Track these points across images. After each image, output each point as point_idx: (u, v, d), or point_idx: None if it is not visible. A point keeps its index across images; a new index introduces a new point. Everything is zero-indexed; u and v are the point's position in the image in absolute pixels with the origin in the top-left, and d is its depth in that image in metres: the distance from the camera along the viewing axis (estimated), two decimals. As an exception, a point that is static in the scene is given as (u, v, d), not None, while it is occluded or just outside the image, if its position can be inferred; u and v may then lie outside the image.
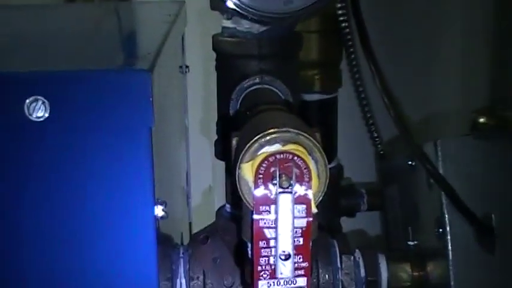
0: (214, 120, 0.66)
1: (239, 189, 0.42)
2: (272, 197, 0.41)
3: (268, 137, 0.42)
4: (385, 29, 1.01)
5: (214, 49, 0.66)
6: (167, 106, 0.65)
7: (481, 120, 0.92)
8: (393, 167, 0.82)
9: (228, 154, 0.47)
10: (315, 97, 0.93)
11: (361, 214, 0.91)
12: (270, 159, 0.42)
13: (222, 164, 0.64)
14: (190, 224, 0.87)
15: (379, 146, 0.94)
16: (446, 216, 0.62)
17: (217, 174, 1.05)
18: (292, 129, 0.43)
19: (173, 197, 0.65)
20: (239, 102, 0.64)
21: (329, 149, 0.94)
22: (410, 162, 0.70)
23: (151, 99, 0.42)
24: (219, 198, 0.71)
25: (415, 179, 0.69)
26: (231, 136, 0.47)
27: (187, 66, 0.91)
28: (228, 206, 0.64)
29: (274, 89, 0.63)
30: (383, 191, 0.90)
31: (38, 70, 0.43)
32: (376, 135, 0.94)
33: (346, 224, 0.92)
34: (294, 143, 0.43)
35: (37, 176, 0.43)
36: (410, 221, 0.72)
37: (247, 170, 0.42)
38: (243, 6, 0.52)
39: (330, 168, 0.82)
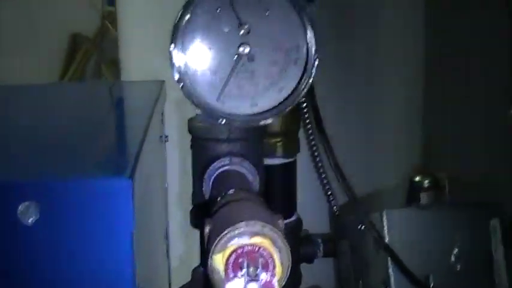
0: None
1: (211, 277, 0.42)
2: (241, 286, 0.41)
3: (237, 231, 0.43)
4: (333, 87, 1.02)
5: (189, 131, 0.66)
6: (150, 178, 0.64)
7: (417, 178, 0.94)
8: (346, 225, 0.82)
9: (201, 235, 0.47)
10: (277, 161, 0.93)
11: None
12: (239, 251, 0.42)
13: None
14: (170, 285, 0.86)
15: (334, 206, 0.95)
16: (392, 276, 0.63)
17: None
18: (258, 223, 0.43)
19: (154, 266, 0.64)
20: (211, 181, 0.64)
21: (289, 205, 0.94)
22: (360, 227, 0.71)
23: (131, 205, 0.42)
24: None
25: (364, 241, 0.70)
26: (205, 223, 0.47)
27: (166, 136, 0.90)
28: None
29: (243, 170, 0.63)
30: (336, 242, 0.90)
31: (30, 179, 0.43)
32: (331, 198, 0.95)
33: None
34: (260, 235, 0.43)
35: (25, 276, 0.42)
36: (360, 275, 0.73)
37: (218, 261, 0.42)
38: (211, 110, 0.53)
39: (290, 222, 0.83)
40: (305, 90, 0.55)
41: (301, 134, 0.92)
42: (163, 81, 0.89)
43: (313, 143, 0.94)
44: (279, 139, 0.93)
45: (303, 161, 0.94)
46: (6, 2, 2.41)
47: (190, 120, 0.66)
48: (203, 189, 0.64)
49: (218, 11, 0.54)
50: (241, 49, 0.55)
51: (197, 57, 0.55)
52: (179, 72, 0.54)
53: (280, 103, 0.56)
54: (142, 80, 0.96)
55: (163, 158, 0.91)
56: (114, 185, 0.43)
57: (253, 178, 0.65)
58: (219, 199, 0.53)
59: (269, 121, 0.55)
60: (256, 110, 0.56)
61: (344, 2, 1.01)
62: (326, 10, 0.95)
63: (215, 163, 0.64)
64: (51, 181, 0.42)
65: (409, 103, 1.09)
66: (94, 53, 2.46)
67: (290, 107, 0.55)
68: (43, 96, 0.85)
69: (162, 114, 0.89)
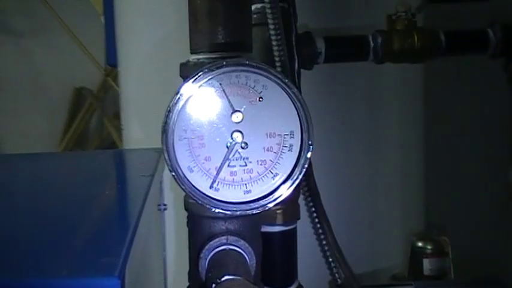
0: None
1: None
2: None
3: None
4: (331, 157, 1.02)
5: (185, 209, 0.65)
6: (147, 246, 0.63)
7: (419, 244, 0.93)
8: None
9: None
10: (277, 229, 0.92)
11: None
12: None
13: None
14: None
15: (336, 274, 0.93)
16: None
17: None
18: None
19: None
20: (207, 261, 0.62)
21: (290, 273, 0.93)
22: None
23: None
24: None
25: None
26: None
27: (164, 205, 0.89)
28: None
29: (239, 249, 0.62)
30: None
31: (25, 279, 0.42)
32: (333, 265, 0.93)
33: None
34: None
35: None
36: None
37: None
38: (205, 198, 0.52)
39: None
40: (300, 176, 0.54)
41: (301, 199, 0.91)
42: (161, 149, 0.88)
43: (313, 209, 0.93)
44: (278, 207, 0.92)
45: (304, 228, 0.93)
46: (12, 54, 2.44)
47: (186, 197, 0.66)
48: (199, 269, 0.63)
49: (210, 98, 0.54)
50: (234, 136, 0.54)
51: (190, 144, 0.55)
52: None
53: (274, 190, 0.54)
54: (141, 148, 0.96)
55: (161, 227, 0.90)
56: (102, 285, 0.42)
57: (250, 257, 0.64)
58: (213, 287, 0.52)
59: (263, 209, 0.54)
60: (250, 197, 0.55)
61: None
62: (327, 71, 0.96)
63: (212, 242, 0.63)
64: (36, 280, 0.41)
65: (410, 167, 1.09)
66: (97, 106, 2.48)
67: (286, 196, 0.53)
68: (38, 168, 0.84)
69: (161, 182, 0.88)
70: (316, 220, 0.89)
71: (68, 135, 2.41)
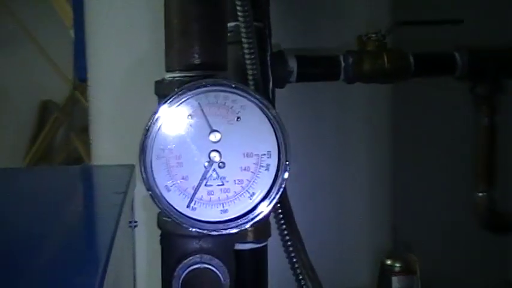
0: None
1: None
2: None
3: None
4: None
5: (158, 226, 0.65)
6: (120, 264, 0.63)
7: (388, 262, 0.94)
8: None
9: None
10: (248, 246, 0.91)
11: None
12: None
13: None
14: None
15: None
16: None
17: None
18: None
19: None
20: (181, 279, 0.62)
21: (261, 291, 0.93)
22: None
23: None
24: None
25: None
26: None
27: (135, 222, 0.88)
28: None
29: (213, 268, 0.62)
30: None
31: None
32: (303, 283, 0.93)
33: None
34: None
35: None
36: None
37: None
38: (181, 217, 0.52)
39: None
40: (277, 196, 0.54)
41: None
42: (133, 166, 0.88)
43: (283, 227, 0.93)
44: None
45: (274, 245, 0.93)
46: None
47: (159, 214, 0.65)
48: (172, 288, 0.63)
49: (188, 117, 0.54)
50: (212, 156, 0.55)
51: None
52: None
53: (251, 209, 0.55)
54: (112, 165, 0.95)
55: (132, 245, 0.89)
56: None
57: (224, 276, 0.64)
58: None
59: (240, 229, 0.54)
60: (226, 216, 0.55)
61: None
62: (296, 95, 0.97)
63: (185, 261, 0.62)
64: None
65: (378, 185, 1.10)
66: (64, 120, 2.45)
67: (261, 217, 0.54)
68: (5, 184, 0.83)
69: (133, 199, 0.87)
70: (287, 238, 0.89)
71: (33, 150, 2.37)
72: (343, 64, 0.96)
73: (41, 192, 0.80)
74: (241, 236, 0.92)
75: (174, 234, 0.63)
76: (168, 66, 0.64)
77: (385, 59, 0.97)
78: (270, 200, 0.55)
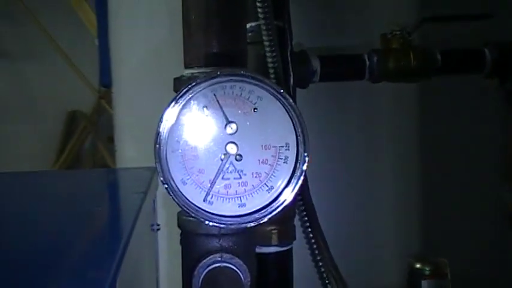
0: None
1: None
2: None
3: None
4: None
5: (178, 226, 0.64)
6: (140, 265, 0.62)
7: (417, 265, 0.91)
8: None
9: None
10: (272, 249, 0.90)
11: None
12: None
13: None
14: None
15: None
16: None
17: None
18: None
19: None
20: (201, 278, 0.61)
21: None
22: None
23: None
24: None
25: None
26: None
27: (158, 225, 0.88)
28: None
29: (233, 267, 0.61)
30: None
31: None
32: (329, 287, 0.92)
33: None
34: None
35: None
36: None
37: None
38: (198, 211, 0.51)
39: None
40: (296, 188, 0.53)
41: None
42: (154, 168, 0.88)
43: (309, 230, 0.92)
44: (273, 227, 0.91)
45: (299, 249, 0.92)
46: (5, 76, 2.44)
47: (179, 214, 0.65)
48: (192, 287, 0.62)
49: (203, 109, 0.53)
50: (228, 148, 0.54)
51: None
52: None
53: (269, 203, 0.54)
54: (134, 167, 0.95)
55: (154, 248, 0.88)
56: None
57: (244, 275, 0.63)
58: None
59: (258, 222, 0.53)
60: (244, 211, 0.54)
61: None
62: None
63: (205, 260, 0.62)
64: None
65: (406, 185, 1.09)
66: (91, 130, 2.48)
67: (280, 209, 0.52)
68: (30, 186, 0.84)
69: (154, 201, 0.87)
70: (312, 239, 0.88)
71: (61, 159, 2.40)
72: (367, 63, 0.95)
73: (64, 193, 0.81)
74: (265, 239, 0.91)
75: (195, 233, 0.62)
76: (187, 63, 0.64)
77: (411, 57, 0.95)
78: (291, 188, 0.54)
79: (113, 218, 0.69)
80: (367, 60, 0.95)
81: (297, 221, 0.87)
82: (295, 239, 0.94)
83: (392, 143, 1.09)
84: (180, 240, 0.65)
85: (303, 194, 0.71)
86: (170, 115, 0.52)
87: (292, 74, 0.77)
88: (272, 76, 0.74)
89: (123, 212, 0.70)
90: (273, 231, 0.92)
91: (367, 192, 1.06)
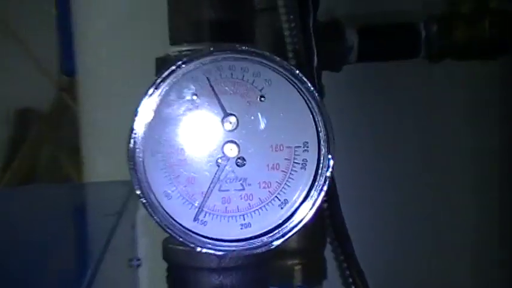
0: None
1: None
2: None
3: None
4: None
5: (164, 258, 0.66)
6: None
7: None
8: None
9: None
10: (294, 292, 0.92)
11: None
12: None
13: None
14: None
15: None
16: None
17: None
18: None
19: None
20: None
21: None
22: None
23: None
24: None
25: None
26: None
27: (138, 259, 0.90)
28: None
29: (238, 313, 0.63)
30: None
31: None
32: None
33: None
34: None
35: None
36: None
37: None
38: (186, 234, 0.54)
39: None
40: (317, 203, 0.55)
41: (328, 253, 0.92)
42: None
43: (344, 265, 0.94)
44: (296, 261, 0.93)
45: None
46: None
47: (165, 242, 0.67)
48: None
49: (193, 98, 0.55)
50: (226, 150, 0.56)
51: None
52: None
53: (282, 222, 0.56)
54: (107, 181, 0.98)
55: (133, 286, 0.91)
56: None
57: (252, 325, 0.65)
58: None
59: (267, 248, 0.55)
60: (249, 233, 0.56)
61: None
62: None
63: (200, 304, 0.64)
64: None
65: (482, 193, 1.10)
66: (49, 134, 2.50)
67: (296, 231, 0.55)
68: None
69: (133, 227, 0.90)
70: (349, 279, 0.89)
71: (7, 175, 2.43)
72: (423, 34, 0.97)
73: (11, 217, 0.84)
74: (284, 277, 0.93)
75: (186, 267, 0.64)
76: (174, 38, 0.67)
77: (486, 25, 0.96)
78: (310, 203, 0.56)
79: (73, 251, 0.72)
80: (422, 30, 0.97)
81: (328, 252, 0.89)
82: (325, 278, 0.96)
83: (464, 142, 1.11)
84: (167, 277, 0.68)
85: (332, 211, 0.73)
86: (148, 106, 0.54)
87: (316, 51, 0.79)
88: (290, 49, 0.76)
89: (88, 242, 0.73)
90: (296, 266, 0.94)
91: (434, 205, 1.08)
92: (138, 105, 0.55)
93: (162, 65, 0.65)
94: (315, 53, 0.80)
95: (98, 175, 1.22)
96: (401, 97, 1.10)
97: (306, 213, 0.56)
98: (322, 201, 0.57)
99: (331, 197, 0.73)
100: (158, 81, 0.54)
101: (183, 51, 0.64)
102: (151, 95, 0.54)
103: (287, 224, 0.56)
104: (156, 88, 0.54)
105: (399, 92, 1.10)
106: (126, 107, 1.18)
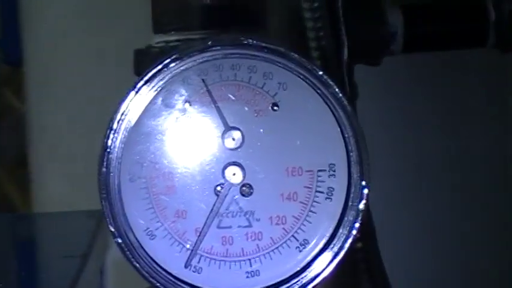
0: None
1: None
2: None
3: None
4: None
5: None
6: None
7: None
8: None
9: None
10: None
11: None
12: None
13: None
14: None
15: None
16: None
17: None
18: None
19: None
20: None
21: None
22: None
23: None
24: None
25: None
26: None
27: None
28: None
29: None
30: None
31: None
32: None
33: None
34: None
35: None
36: None
37: None
38: (175, 284, 0.56)
39: None
40: (346, 244, 0.57)
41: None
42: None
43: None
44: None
45: None
46: None
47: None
48: None
49: (185, 106, 0.58)
50: (228, 174, 0.58)
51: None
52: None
53: (301, 270, 0.58)
54: (65, 212, 1.00)
55: None
56: None
57: None
58: None
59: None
60: (257, 284, 0.58)
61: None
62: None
63: None
64: None
65: None
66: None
67: (319, 281, 0.57)
68: None
69: (102, 273, 0.92)
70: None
71: None
72: (493, 15, 0.98)
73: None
74: None
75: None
76: (158, 24, 0.69)
77: None
78: (335, 253, 0.58)
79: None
80: (492, 11, 0.98)
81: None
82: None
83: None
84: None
85: (368, 253, 0.75)
86: (127, 116, 0.56)
87: (346, 40, 0.81)
88: (312, 37, 0.77)
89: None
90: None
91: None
92: (113, 115, 0.56)
93: (142, 59, 0.67)
94: (346, 43, 0.82)
95: (51, 199, 1.24)
96: (462, 98, 1.13)
97: (331, 258, 0.58)
98: (354, 241, 0.59)
99: (366, 234, 0.74)
100: (140, 83, 0.56)
101: (171, 41, 0.66)
102: (130, 101, 0.56)
103: (306, 272, 0.58)
104: (136, 92, 0.56)
105: (459, 92, 1.12)
106: (90, 108, 1.21)
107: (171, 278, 0.58)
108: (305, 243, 0.59)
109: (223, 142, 0.58)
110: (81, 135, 1.10)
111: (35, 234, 0.98)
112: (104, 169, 0.56)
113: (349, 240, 0.58)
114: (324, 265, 0.59)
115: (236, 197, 0.58)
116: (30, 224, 1.04)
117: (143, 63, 0.66)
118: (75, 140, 1.16)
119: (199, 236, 0.58)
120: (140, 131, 0.57)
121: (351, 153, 0.58)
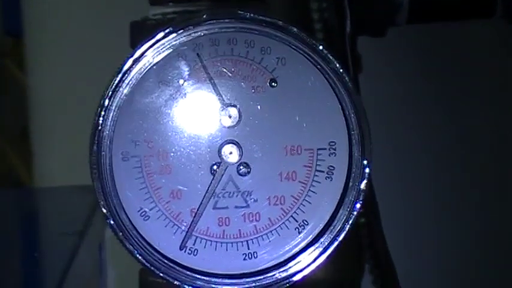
0: None
1: None
2: None
3: None
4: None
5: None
6: None
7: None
8: None
9: None
10: None
11: None
12: None
13: None
14: None
15: None
16: None
17: None
18: None
19: None
20: None
21: None
22: None
23: None
24: None
25: None
26: None
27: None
28: None
29: None
30: None
31: None
32: None
33: None
34: None
35: None
36: None
37: None
38: (170, 266, 0.55)
39: None
40: (348, 225, 0.56)
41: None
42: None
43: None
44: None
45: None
46: None
47: (143, 273, 0.68)
48: None
49: (179, 82, 0.56)
50: (225, 153, 0.57)
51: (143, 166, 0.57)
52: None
53: (300, 251, 0.57)
54: (66, 186, 0.98)
55: None
56: None
57: None
58: None
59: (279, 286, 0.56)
60: (255, 266, 0.57)
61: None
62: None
63: None
64: None
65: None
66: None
67: (320, 263, 0.56)
68: None
69: (101, 251, 0.91)
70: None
71: None
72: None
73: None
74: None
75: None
76: (154, -5, 0.67)
77: None
78: (334, 233, 0.57)
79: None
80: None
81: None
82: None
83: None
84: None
85: (371, 230, 0.74)
86: (119, 93, 0.55)
87: (349, 13, 0.79)
88: (314, 8, 0.76)
89: (40, 272, 0.73)
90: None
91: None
92: (104, 91, 0.55)
93: (137, 32, 0.66)
94: (348, 14, 0.81)
95: (51, 172, 1.23)
96: (468, 73, 1.11)
97: (331, 240, 0.57)
98: (357, 219, 0.57)
99: (369, 212, 0.73)
100: (132, 57, 0.54)
101: (168, 13, 0.65)
102: (124, 76, 0.55)
103: (306, 254, 0.57)
104: (129, 68, 0.55)
105: (463, 66, 1.10)
106: (91, 80, 1.20)
107: (165, 260, 0.57)
108: (304, 224, 0.58)
109: (219, 120, 0.57)
110: (82, 108, 1.08)
111: (36, 209, 0.96)
112: (95, 148, 0.54)
113: (350, 222, 0.56)
114: (323, 247, 0.57)
115: (233, 176, 0.57)
116: (30, 198, 1.02)
117: (139, 36, 0.64)
118: (76, 112, 1.14)
119: (194, 216, 0.57)
120: (133, 108, 0.56)
121: (352, 132, 0.56)
